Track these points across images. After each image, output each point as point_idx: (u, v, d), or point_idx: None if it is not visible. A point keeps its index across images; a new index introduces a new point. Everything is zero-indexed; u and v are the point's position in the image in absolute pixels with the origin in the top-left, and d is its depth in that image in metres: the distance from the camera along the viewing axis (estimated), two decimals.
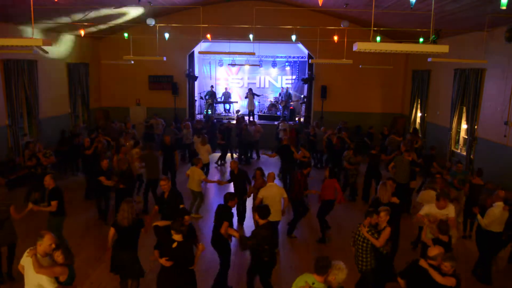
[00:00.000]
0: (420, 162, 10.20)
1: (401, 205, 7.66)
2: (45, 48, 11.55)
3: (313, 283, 4.19)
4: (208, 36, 13.05)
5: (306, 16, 15.21)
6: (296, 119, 18.25)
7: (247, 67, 19.46)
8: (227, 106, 19.17)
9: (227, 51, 13.42)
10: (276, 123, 16.44)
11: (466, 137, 11.51)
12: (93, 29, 14.07)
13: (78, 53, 14.91)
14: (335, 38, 12.06)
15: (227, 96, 18.95)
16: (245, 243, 5.80)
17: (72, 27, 12.76)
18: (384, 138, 14.04)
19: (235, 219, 7.92)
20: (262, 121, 17.36)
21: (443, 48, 5.04)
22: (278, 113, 18.22)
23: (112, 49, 15.97)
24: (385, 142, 13.41)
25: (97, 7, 11.25)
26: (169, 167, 10.70)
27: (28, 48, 9.15)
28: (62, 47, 13.87)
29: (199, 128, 14.09)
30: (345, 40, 11.85)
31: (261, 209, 5.81)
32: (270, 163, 13.48)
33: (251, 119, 16.73)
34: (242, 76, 20.11)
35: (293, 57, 19.41)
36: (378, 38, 12.85)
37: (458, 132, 12.43)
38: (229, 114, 18.73)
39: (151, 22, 13.08)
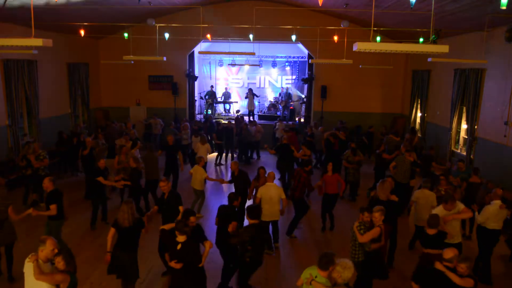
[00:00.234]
0: (419, 162, 10.21)
1: (401, 204, 7.72)
2: (45, 48, 11.49)
3: (315, 277, 4.24)
4: (208, 36, 13.07)
5: (306, 16, 15.21)
6: (296, 119, 18.25)
7: (247, 67, 19.45)
8: (227, 106, 19.16)
9: (227, 51, 13.43)
10: (274, 122, 16.46)
11: (466, 137, 11.51)
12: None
13: (78, 53, 14.91)
14: (335, 38, 12.06)
15: (227, 96, 18.94)
16: (229, 240, 5.73)
17: (72, 27, 12.75)
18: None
19: None
20: (262, 121, 17.35)
21: (443, 48, 5.06)
22: (278, 113, 18.22)
23: (112, 49, 15.98)
24: (383, 141, 13.40)
25: (97, 7, 11.25)
26: (172, 168, 10.41)
27: (28, 48, 9.16)
28: (62, 47, 13.87)
29: (196, 129, 14.09)
30: (345, 40, 11.86)
31: (251, 209, 5.79)
32: (270, 163, 13.48)
33: (251, 119, 16.72)
34: (242, 76, 20.10)
35: (293, 57, 19.39)
36: (378, 38, 12.84)
37: (458, 132, 12.43)
38: (229, 114, 18.73)
39: (151, 22, 13.08)
